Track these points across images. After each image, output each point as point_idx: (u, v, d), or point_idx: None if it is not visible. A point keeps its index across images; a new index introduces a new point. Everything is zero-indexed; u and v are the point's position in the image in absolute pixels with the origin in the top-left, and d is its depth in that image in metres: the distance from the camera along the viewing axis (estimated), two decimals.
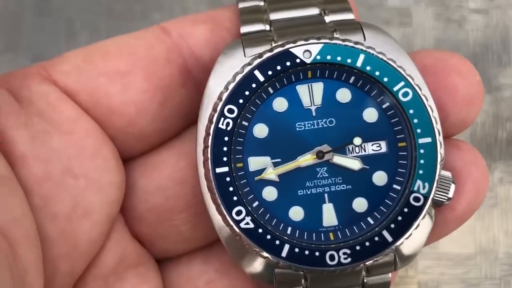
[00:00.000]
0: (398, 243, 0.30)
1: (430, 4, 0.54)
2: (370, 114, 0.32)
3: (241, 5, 0.34)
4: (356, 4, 0.54)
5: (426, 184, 0.31)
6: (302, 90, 0.32)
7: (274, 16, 0.33)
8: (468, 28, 0.53)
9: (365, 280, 0.32)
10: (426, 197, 0.31)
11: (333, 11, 0.33)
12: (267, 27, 0.33)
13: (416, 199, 0.31)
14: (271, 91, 0.32)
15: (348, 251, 0.30)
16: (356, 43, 0.31)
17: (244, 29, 0.33)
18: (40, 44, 0.50)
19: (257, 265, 0.32)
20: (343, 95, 0.32)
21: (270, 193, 0.32)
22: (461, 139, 0.53)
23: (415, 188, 0.31)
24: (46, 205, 0.30)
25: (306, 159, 0.32)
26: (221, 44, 0.33)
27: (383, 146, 0.32)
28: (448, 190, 0.31)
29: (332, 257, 0.30)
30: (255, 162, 0.32)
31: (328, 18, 0.33)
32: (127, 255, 0.33)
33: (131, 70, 0.33)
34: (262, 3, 0.34)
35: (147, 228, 0.34)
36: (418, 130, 0.31)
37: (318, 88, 0.32)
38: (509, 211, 0.52)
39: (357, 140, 0.32)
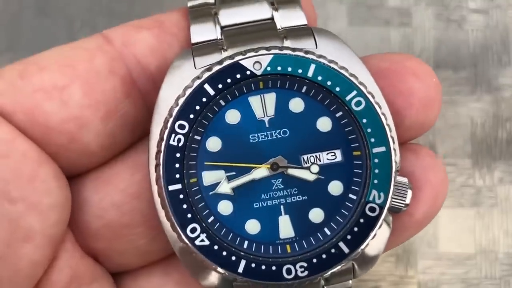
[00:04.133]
0: (354, 254, 0.30)
1: (430, 4, 0.54)
2: (324, 123, 0.31)
3: (190, 3, 0.33)
4: (356, 4, 0.54)
5: (382, 194, 0.30)
6: (254, 101, 0.31)
7: (225, 19, 0.32)
8: (468, 28, 0.53)
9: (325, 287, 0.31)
10: (381, 207, 0.30)
11: (281, 2, 0.32)
12: (219, 36, 0.32)
13: (372, 209, 0.30)
14: (223, 103, 0.31)
15: (305, 264, 0.30)
16: (306, 52, 0.31)
17: (195, 39, 0.32)
18: (40, 44, 0.50)
19: (213, 279, 0.31)
20: (296, 104, 0.31)
21: (225, 207, 0.31)
22: (461, 139, 0.53)
23: (371, 198, 0.31)
24: None
25: (261, 172, 0.31)
26: (168, 51, 0.32)
27: (338, 155, 0.31)
28: (405, 197, 0.31)
29: (289, 271, 0.30)
30: (209, 177, 0.31)
31: (279, 23, 0.32)
32: (79, 273, 0.32)
33: (69, 84, 0.31)
34: (212, 0, 0.33)
35: (103, 244, 0.33)
36: (372, 140, 0.31)
37: (271, 98, 0.31)
38: (509, 211, 0.52)
39: (315, 168, 0.31)
